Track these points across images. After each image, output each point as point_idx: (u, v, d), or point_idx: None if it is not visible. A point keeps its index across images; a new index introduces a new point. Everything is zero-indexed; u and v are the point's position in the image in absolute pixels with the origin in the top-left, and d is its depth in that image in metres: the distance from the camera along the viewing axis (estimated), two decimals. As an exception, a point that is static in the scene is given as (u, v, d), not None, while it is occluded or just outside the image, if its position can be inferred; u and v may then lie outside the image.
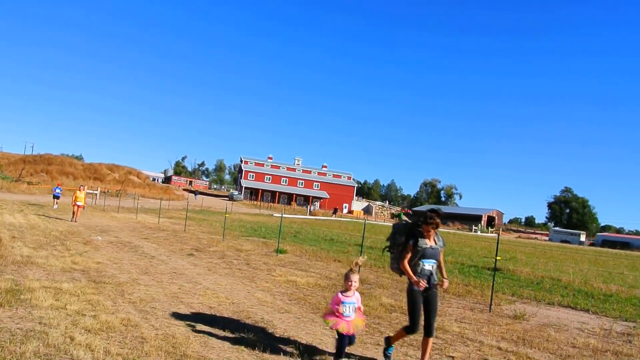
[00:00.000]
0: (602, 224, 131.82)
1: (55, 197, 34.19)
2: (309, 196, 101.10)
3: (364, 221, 20.72)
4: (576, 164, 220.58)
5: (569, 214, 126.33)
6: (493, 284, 11.36)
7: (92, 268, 11.40)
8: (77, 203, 23.52)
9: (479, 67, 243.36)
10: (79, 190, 24.41)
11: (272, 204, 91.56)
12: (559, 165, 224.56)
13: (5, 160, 74.34)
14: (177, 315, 7.85)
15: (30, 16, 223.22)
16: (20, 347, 5.48)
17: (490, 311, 10.64)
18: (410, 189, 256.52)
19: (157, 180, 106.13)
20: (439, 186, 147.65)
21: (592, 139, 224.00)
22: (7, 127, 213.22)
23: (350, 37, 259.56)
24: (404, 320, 9.06)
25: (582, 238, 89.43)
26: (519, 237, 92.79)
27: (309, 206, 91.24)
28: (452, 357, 7.01)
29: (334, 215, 71.85)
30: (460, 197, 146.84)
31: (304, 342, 7.06)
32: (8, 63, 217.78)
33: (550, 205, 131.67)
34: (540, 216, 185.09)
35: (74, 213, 23.54)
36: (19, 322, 6.52)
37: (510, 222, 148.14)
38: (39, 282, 9.03)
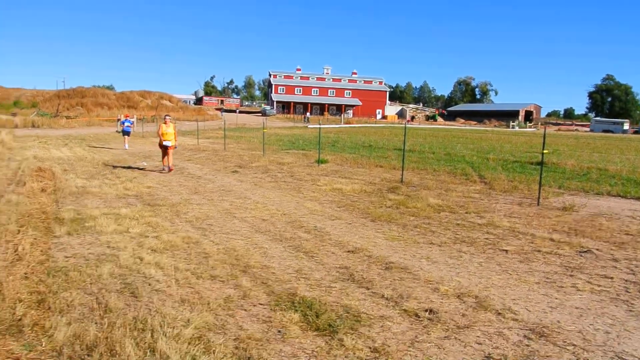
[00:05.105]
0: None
1: (125, 132, 25.48)
2: (342, 105, 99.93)
3: (404, 125, 20.43)
4: (617, 47, 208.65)
5: (611, 102, 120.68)
6: (541, 176, 11.24)
7: (144, 192, 11.82)
8: (165, 143, 15.67)
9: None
10: (165, 123, 16.11)
11: (304, 115, 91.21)
12: (599, 51, 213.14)
13: (41, 97, 75.38)
14: (234, 230, 8.16)
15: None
16: (96, 270, 5.85)
17: (538, 205, 10.63)
18: (443, 89, 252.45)
19: (189, 103, 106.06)
20: (473, 84, 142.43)
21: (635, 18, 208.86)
22: (38, 67, 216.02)
23: None
24: (453, 219, 9.21)
25: (626, 127, 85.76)
26: (559, 129, 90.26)
27: (342, 114, 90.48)
28: (506, 251, 7.11)
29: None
30: (496, 93, 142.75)
31: (358, 245, 7.27)
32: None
33: (591, 95, 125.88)
34: (581, 107, 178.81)
35: (165, 157, 16.08)
36: (89, 247, 6.91)
37: (549, 115, 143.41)
38: (98, 210, 9.45)
